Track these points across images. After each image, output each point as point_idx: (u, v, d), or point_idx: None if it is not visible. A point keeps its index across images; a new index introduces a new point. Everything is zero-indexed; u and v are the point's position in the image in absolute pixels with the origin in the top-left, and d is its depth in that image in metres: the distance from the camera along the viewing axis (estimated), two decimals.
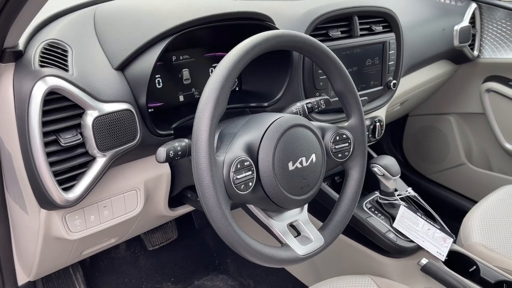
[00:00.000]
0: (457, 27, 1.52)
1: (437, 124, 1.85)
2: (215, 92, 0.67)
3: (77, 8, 0.91)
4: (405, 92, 1.45)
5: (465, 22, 1.54)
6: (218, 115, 0.68)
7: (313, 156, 0.78)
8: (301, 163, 0.76)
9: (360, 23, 1.12)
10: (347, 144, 0.86)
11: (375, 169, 1.13)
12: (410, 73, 1.42)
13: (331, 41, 1.06)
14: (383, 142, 1.99)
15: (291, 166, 0.75)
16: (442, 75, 1.64)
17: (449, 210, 1.80)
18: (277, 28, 0.94)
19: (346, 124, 0.88)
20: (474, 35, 1.62)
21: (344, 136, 0.86)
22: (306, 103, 0.92)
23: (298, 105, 0.91)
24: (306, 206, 0.84)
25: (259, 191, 0.74)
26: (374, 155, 1.31)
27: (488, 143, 1.72)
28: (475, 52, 1.63)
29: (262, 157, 0.73)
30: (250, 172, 0.71)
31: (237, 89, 1.07)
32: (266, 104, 0.99)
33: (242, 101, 1.01)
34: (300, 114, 0.91)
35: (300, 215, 0.83)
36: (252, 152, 0.74)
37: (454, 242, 1.14)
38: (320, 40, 1.03)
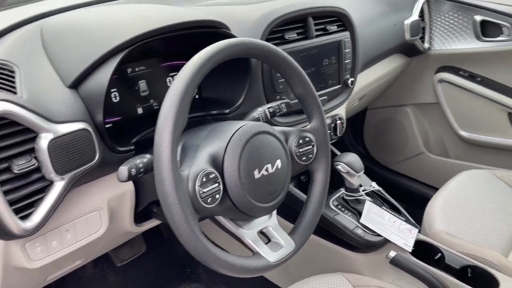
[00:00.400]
0: (407, 22, 1.57)
1: (395, 115, 1.90)
2: (174, 106, 0.66)
3: (22, 24, 0.86)
4: (363, 88, 1.48)
5: (415, 16, 1.59)
6: (179, 129, 0.67)
7: (278, 162, 0.79)
8: (267, 170, 0.76)
9: (315, 24, 1.13)
10: (310, 146, 0.87)
11: (339, 167, 1.15)
12: (366, 69, 1.45)
13: (287, 43, 1.06)
14: (344, 137, 2.03)
15: (257, 174, 0.75)
16: (396, 69, 1.68)
17: (413, 199, 1.86)
18: (233, 35, 0.93)
19: (308, 126, 0.89)
20: (424, 28, 1.67)
21: (307, 139, 0.86)
22: (268, 108, 0.92)
23: (260, 111, 0.91)
24: (275, 212, 0.84)
25: (227, 202, 0.73)
26: (338, 152, 1.34)
27: (444, 131, 1.79)
28: (426, 45, 1.69)
29: (228, 168, 0.72)
30: (216, 185, 0.70)
31: (197, 96, 1.06)
32: (227, 111, 0.99)
33: (203, 109, 1.00)
34: (263, 119, 0.91)
35: (270, 221, 0.83)
36: (217, 163, 0.73)
37: (419, 231, 1.18)
38: (277, 44, 1.05)
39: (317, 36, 1.13)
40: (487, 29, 1.58)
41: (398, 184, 1.94)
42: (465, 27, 1.62)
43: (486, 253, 1.13)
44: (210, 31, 0.92)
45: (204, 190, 0.68)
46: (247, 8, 1.07)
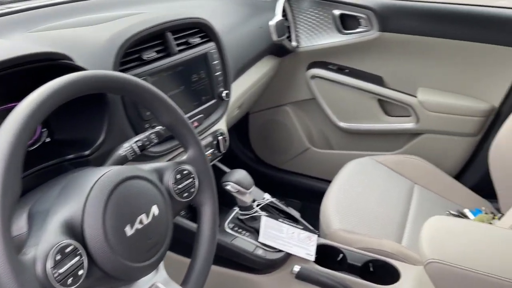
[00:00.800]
0: (272, 23, 1.55)
1: (276, 116, 1.90)
2: None
3: None
4: (240, 96, 1.42)
5: (278, 16, 1.58)
6: (10, 201, 0.52)
7: (155, 209, 0.67)
8: (141, 222, 0.64)
9: (176, 39, 1.03)
10: (190, 179, 0.77)
11: (228, 187, 1.07)
12: (240, 77, 1.39)
13: (146, 64, 0.94)
14: (232, 144, 1.96)
15: (130, 231, 0.62)
16: (269, 71, 1.66)
17: (310, 195, 1.88)
18: (77, 66, 0.79)
19: (184, 157, 0.79)
20: (289, 27, 1.67)
21: (185, 172, 0.76)
22: (136, 142, 0.79)
23: (126, 147, 0.78)
24: (162, 263, 0.73)
25: (96, 273, 0.60)
26: (226, 169, 1.26)
27: (324, 125, 1.83)
28: (294, 43, 1.69)
29: (90, 234, 0.59)
30: (77, 258, 0.56)
31: (47, 140, 0.88)
32: (87, 152, 0.84)
33: (57, 155, 0.83)
34: (131, 156, 0.78)
35: (157, 276, 0.71)
36: (75, 230, 0.59)
37: (319, 235, 1.16)
38: (134, 66, 0.92)
39: (180, 51, 1.03)
40: (346, 22, 1.63)
41: (293, 183, 1.94)
42: (327, 22, 1.66)
43: (383, 243, 1.15)
44: (48, 64, 0.76)
45: (61, 271, 0.54)
46: (91, 30, 0.93)
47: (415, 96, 1.60)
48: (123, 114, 0.90)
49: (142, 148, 0.81)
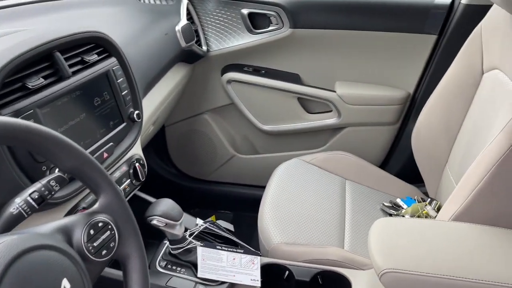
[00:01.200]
0: (178, 28, 1.42)
1: (195, 126, 1.77)
2: None
3: None
4: (153, 112, 1.28)
5: (184, 20, 1.46)
6: None
7: (65, 283, 0.53)
8: None
9: (67, 58, 0.86)
10: (108, 232, 0.63)
11: (155, 221, 0.93)
12: (150, 91, 1.25)
13: (34, 94, 0.77)
14: (151, 162, 1.81)
15: None
16: (182, 79, 1.53)
17: (242, 204, 1.79)
18: None
19: (96, 205, 0.64)
20: (197, 31, 1.56)
21: (101, 223, 0.62)
22: (31, 194, 0.63)
23: (18, 203, 0.62)
24: None
25: None
26: (148, 197, 1.12)
27: (247, 130, 1.75)
28: (204, 48, 1.58)
29: None
30: None
31: None
32: None
33: None
34: (28, 213, 0.62)
35: None
36: None
37: (260, 255, 1.07)
38: (18, 98, 0.75)
39: (75, 73, 0.87)
40: (256, 21, 1.56)
41: (222, 194, 1.84)
42: (236, 22, 1.57)
43: (327, 252, 1.09)
44: None
45: None
46: None
47: (334, 91, 1.57)
48: (10, 160, 0.72)
49: (41, 200, 0.65)
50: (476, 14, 1.22)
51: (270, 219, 1.19)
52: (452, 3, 1.40)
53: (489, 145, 0.88)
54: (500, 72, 1.03)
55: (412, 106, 1.56)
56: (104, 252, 0.62)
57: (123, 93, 0.99)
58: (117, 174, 0.99)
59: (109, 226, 0.64)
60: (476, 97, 1.15)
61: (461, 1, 1.37)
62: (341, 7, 1.48)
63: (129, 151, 1.02)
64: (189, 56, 1.52)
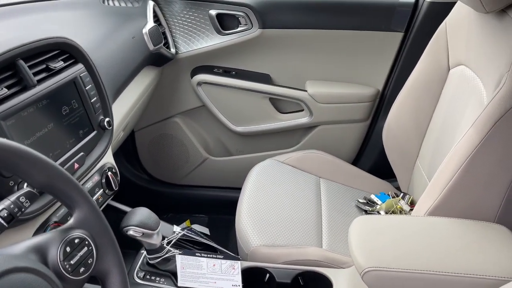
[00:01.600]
0: (145, 30, 1.38)
1: (166, 130, 1.74)
2: None
3: None
4: (123, 118, 1.24)
5: (150, 22, 1.42)
6: None
7: None
8: None
9: (31, 66, 0.82)
10: (85, 248, 0.60)
11: (131, 232, 0.91)
12: (119, 96, 1.21)
13: None
14: (122, 169, 1.76)
15: None
16: (151, 83, 1.50)
17: (217, 207, 1.77)
18: None
19: (71, 221, 0.62)
20: (164, 33, 1.52)
21: (77, 240, 0.60)
22: None
23: None
24: None
25: None
26: (123, 207, 1.08)
27: (220, 132, 1.73)
28: (172, 50, 1.55)
29: None
30: None
31: None
32: None
33: None
34: None
35: None
36: None
37: (240, 259, 1.06)
38: None
39: (40, 81, 0.83)
40: (225, 22, 1.54)
41: (196, 197, 1.81)
42: (204, 23, 1.55)
43: (307, 252, 1.10)
44: None
45: None
46: None
47: (305, 90, 1.58)
48: None
49: (11, 218, 0.62)
50: (441, 11, 1.25)
51: (247, 222, 1.18)
52: (417, 0, 1.44)
53: (460, 140, 0.90)
54: (466, 67, 1.06)
55: (381, 103, 1.58)
56: (82, 269, 0.59)
57: (92, 101, 0.95)
58: (89, 185, 0.95)
59: (86, 242, 0.61)
60: (444, 92, 1.18)
61: None
62: (309, 7, 1.49)
63: (100, 160, 0.99)
64: (158, 59, 1.49)
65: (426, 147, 1.23)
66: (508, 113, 0.84)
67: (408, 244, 0.83)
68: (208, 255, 1.00)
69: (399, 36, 1.47)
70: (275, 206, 1.24)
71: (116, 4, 1.44)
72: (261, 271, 1.05)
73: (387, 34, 1.47)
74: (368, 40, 1.49)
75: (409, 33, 1.45)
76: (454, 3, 1.17)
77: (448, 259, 0.80)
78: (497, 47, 0.91)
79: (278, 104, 1.65)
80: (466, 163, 0.87)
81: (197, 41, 1.57)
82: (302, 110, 1.63)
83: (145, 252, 0.98)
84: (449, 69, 1.16)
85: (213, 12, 1.52)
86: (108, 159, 1.05)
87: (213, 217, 1.81)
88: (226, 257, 1.01)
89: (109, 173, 1.02)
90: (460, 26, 1.11)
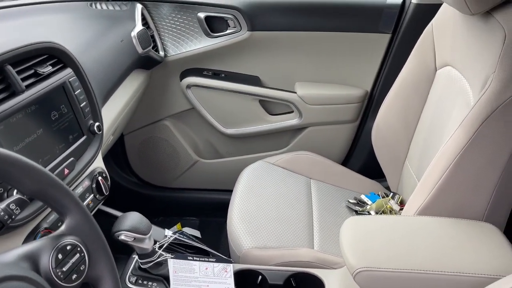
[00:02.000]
0: (133, 34, 1.38)
1: (155, 133, 1.73)
2: None
3: None
4: (113, 122, 1.23)
5: (139, 26, 1.42)
6: None
7: None
8: None
9: (19, 72, 0.82)
10: (77, 255, 0.60)
11: (122, 237, 0.90)
12: (108, 100, 1.20)
13: None
14: (112, 174, 1.75)
15: None
16: (140, 86, 1.49)
17: (208, 209, 1.77)
18: None
19: (63, 227, 0.61)
20: (153, 36, 1.52)
21: (69, 247, 0.59)
22: None
23: None
24: None
25: None
26: (114, 212, 1.08)
27: (210, 134, 1.73)
28: (161, 53, 1.55)
29: None
30: None
31: None
32: None
33: None
34: None
35: None
36: None
37: (232, 262, 1.06)
38: None
39: (29, 87, 0.82)
40: (214, 25, 1.54)
41: (187, 200, 1.81)
42: (193, 26, 1.55)
43: (299, 253, 1.10)
44: None
45: None
46: None
47: (295, 92, 1.59)
48: None
49: (1, 226, 0.62)
50: (427, 12, 1.27)
51: (239, 224, 1.18)
52: (404, 2, 1.45)
53: (448, 140, 0.92)
54: (452, 68, 1.08)
55: (370, 104, 1.60)
56: (74, 276, 0.59)
57: (81, 105, 0.95)
58: (79, 190, 0.95)
59: (78, 249, 0.61)
60: (431, 93, 1.20)
61: (412, 1, 1.42)
62: (297, 9, 1.50)
63: (90, 165, 0.98)
64: (147, 62, 1.48)
65: (415, 147, 1.24)
66: (494, 114, 0.85)
67: (399, 244, 0.84)
68: (200, 259, 1.00)
69: (386, 37, 1.48)
70: (266, 208, 1.25)
71: (104, 7, 1.43)
72: (254, 273, 1.05)
73: (375, 35, 1.49)
74: (357, 42, 1.51)
75: (397, 34, 1.47)
76: (440, 4, 1.19)
77: (439, 259, 0.81)
78: (483, 49, 0.92)
79: (268, 106, 1.65)
80: (454, 163, 0.88)
81: (186, 44, 1.57)
82: (292, 112, 1.63)
83: (137, 257, 0.97)
84: (436, 70, 1.18)
85: (201, 15, 1.52)
86: (98, 163, 1.04)
87: (204, 219, 1.81)
88: (218, 260, 1.01)
89: (100, 178, 1.01)
90: (446, 27, 1.12)
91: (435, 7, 1.21)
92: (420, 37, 1.22)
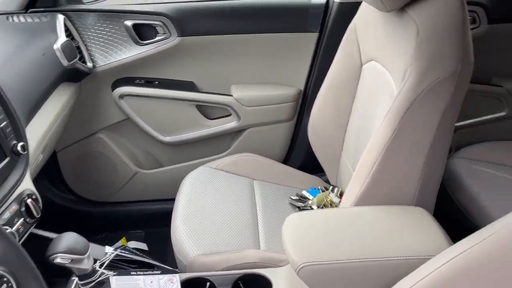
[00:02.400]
0: (56, 46, 1.32)
1: (91, 147, 1.67)
2: None
3: None
4: (40, 140, 1.17)
5: (62, 37, 1.36)
6: None
7: None
8: None
9: None
10: (5, 285, 0.57)
11: (58, 260, 0.86)
12: (34, 117, 1.14)
13: None
14: (44, 192, 1.65)
15: None
16: (69, 100, 1.43)
17: (153, 220, 1.73)
18: None
19: None
20: (79, 48, 1.46)
21: None
22: None
23: None
24: None
25: None
26: (49, 234, 1.03)
27: (148, 144, 1.69)
28: (89, 64, 1.49)
29: None
30: None
31: None
32: None
33: None
34: None
35: None
36: None
37: (178, 271, 1.05)
38: None
39: None
40: (143, 32, 1.51)
41: (130, 213, 1.75)
42: (121, 35, 1.51)
43: (245, 255, 1.11)
44: None
45: None
46: None
47: (231, 95, 1.59)
48: None
49: None
50: (349, 11, 1.32)
51: (183, 232, 1.16)
52: (328, 1, 1.50)
53: (376, 133, 0.96)
54: (377, 63, 1.13)
55: (304, 102, 1.64)
56: None
57: (1, 125, 0.89)
58: (6, 215, 0.89)
59: (5, 279, 0.57)
60: (359, 87, 1.25)
61: (335, 0, 1.47)
62: (224, 13, 1.50)
63: (17, 187, 0.93)
64: (74, 74, 1.42)
65: (349, 141, 1.29)
66: (414, 103, 0.91)
67: (336, 235, 0.87)
68: (145, 272, 0.98)
69: (314, 36, 1.53)
70: (211, 213, 1.24)
71: (22, 20, 1.35)
72: (201, 281, 1.04)
73: (303, 35, 1.53)
74: (287, 42, 1.54)
75: (323, 33, 1.52)
76: (361, 3, 1.24)
77: (374, 245, 0.85)
78: (400, 43, 0.98)
79: (205, 110, 1.65)
80: (383, 153, 0.93)
81: (115, 53, 1.52)
82: (230, 115, 1.64)
83: (76, 279, 0.93)
84: (362, 65, 1.23)
85: (128, 23, 1.48)
86: (27, 185, 0.99)
87: (150, 231, 1.77)
88: (164, 271, 1.00)
89: (29, 200, 0.95)
90: (368, 24, 1.18)
91: (357, 5, 1.26)
92: (344, 34, 1.27)
